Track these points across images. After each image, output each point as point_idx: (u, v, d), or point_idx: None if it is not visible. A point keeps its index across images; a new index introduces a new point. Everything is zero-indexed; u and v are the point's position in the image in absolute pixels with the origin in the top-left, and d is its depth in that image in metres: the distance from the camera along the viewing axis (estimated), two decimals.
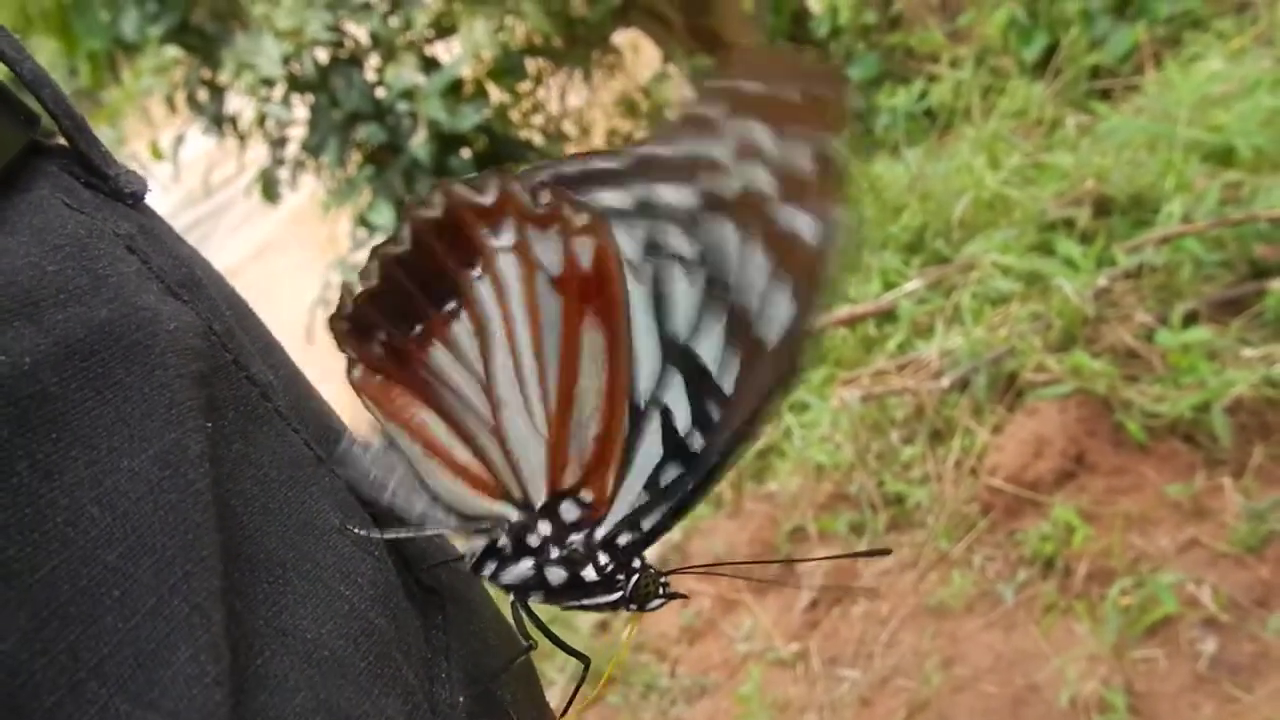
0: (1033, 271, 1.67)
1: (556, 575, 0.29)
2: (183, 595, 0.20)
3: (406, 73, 3.21)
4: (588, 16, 3.66)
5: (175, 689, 0.19)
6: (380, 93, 3.25)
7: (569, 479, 0.29)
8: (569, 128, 4.18)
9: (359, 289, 0.28)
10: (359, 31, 3.28)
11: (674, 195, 0.27)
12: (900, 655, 1.45)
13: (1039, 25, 2.46)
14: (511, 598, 0.30)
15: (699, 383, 0.28)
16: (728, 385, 0.28)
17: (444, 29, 3.40)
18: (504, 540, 0.29)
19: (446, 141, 3.27)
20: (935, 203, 1.95)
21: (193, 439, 0.22)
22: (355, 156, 3.35)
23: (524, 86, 3.86)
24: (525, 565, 0.29)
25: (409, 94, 3.19)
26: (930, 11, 2.84)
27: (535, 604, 0.30)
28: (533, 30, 3.60)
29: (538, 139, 3.89)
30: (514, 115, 3.86)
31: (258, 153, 3.45)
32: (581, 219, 0.27)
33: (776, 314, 0.27)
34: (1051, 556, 1.42)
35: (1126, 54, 2.30)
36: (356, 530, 0.27)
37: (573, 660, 0.33)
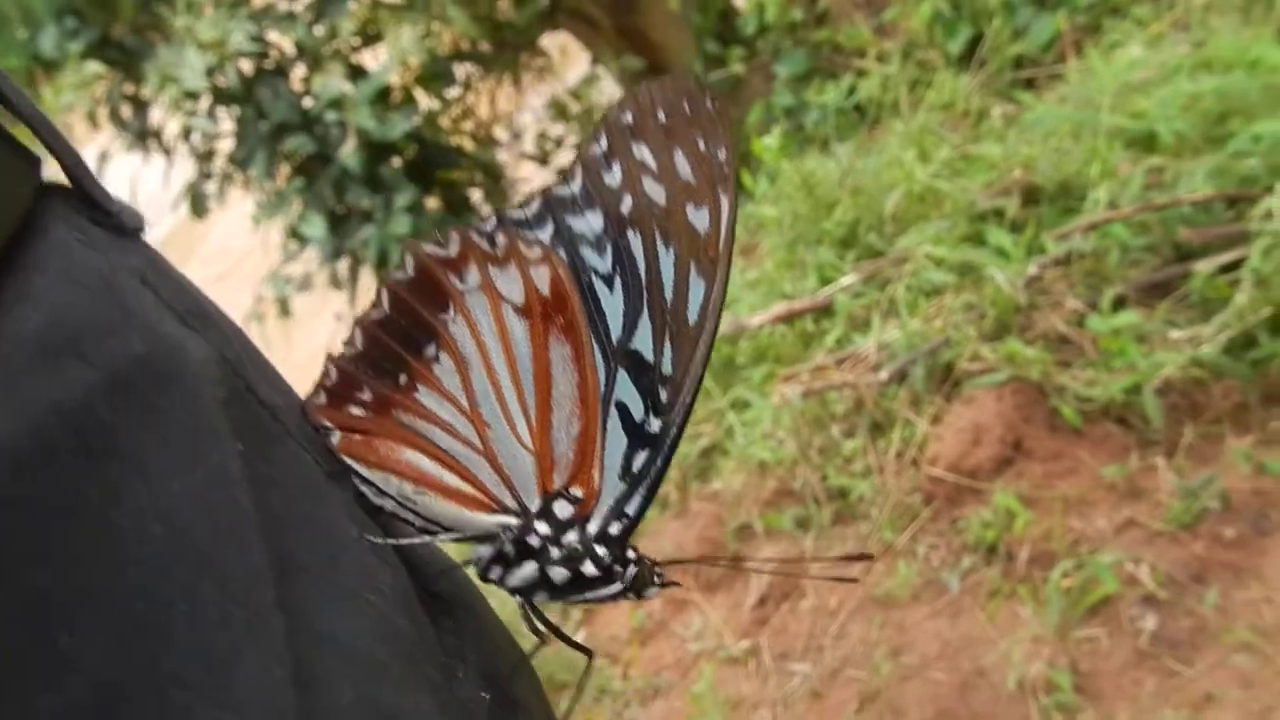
0: (965, 262, 1.70)
1: (559, 574, 0.32)
2: (244, 606, 0.22)
3: (333, 82, 3.18)
4: (515, 20, 3.65)
5: (249, 692, 0.21)
6: (307, 103, 3.22)
7: (558, 480, 0.32)
8: (500, 133, 4.16)
9: (345, 355, 0.31)
10: (284, 41, 3.25)
11: (581, 224, 0.32)
12: (849, 647, 1.47)
13: (963, 17, 2.49)
14: (519, 599, 0.33)
15: (642, 373, 0.32)
16: (667, 367, 0.32)
17: (370, 37, 3.38)
18: (508, 546, 0.32)
19: (376, 150, 3.25)
20: (867, 197, 1.97)
21: (232, 461, 0.24)
22: (284, 168, 3.32)
23: (453, 92, 3.84)
24: (529, 568, 0.32)
25: (337, 103, 3.17)
26: (856, 7, 2.87)
27: (541, 603, 0.33)
28: (460, 36, 3.59)
29: (468, 145, 3.87)
30: (444, 122, 3.84)
31: (184, 168, 3.41)
32: (534, 253, 0.31)
33: (692, 296, 0.32)
34: (994, 542, 1.45)
35: (1048, 43, 2.33)
36: (373, 539, 0.29)
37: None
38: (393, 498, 0.32)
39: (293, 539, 0.25)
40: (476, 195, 3.72)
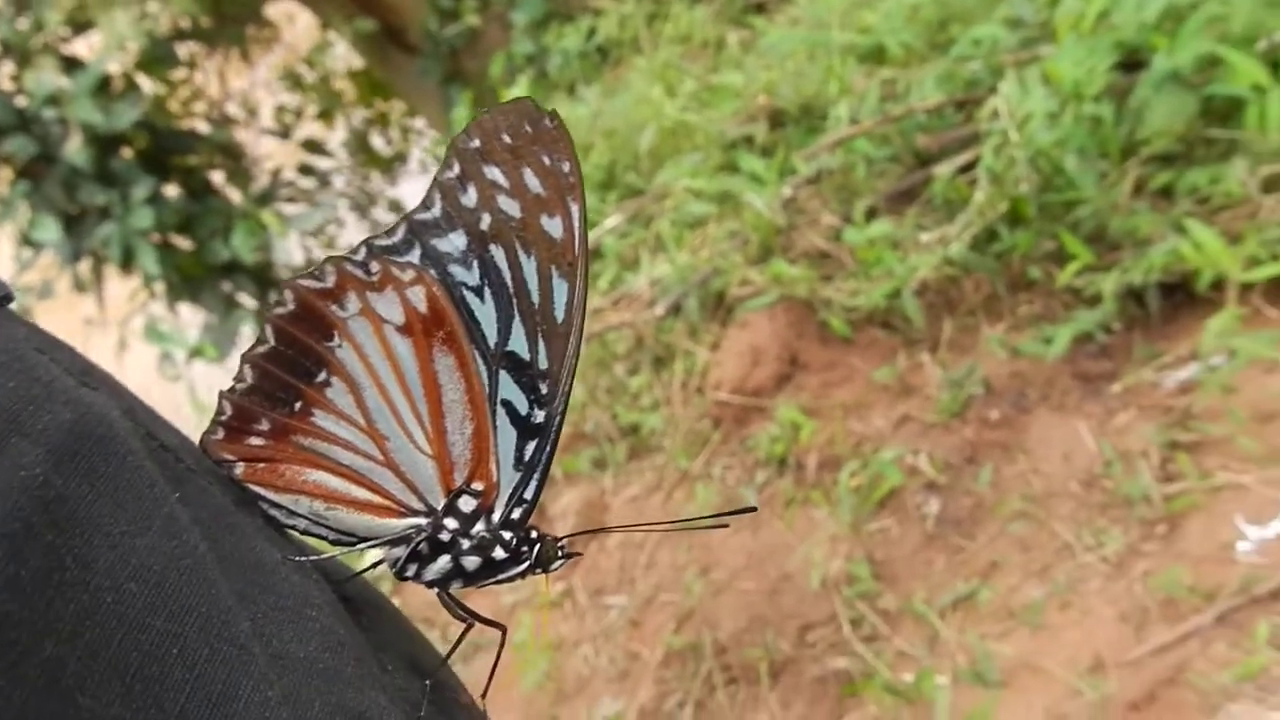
0: (723, 191, 1.75)
1: (471, 562, 0.35)
2: (228, 640, 0.24)
3: (47, 76, 3.00)
4: None
5: (252, 717, 0.23)
6: (21, 101, 3.02)
7: (459, 478, 0.34)
8: (234, 110, 4.01)
9: (237, 389, 0.33)
10: None
11: (446, 244, 0.34)
12: (660, 574, 1.51)
13: None
14: (436, 590, 0.35)
15: (522, 370, 0.35)
16: (543, 363, 0.35)
17: (81, 25, 3.18)
18: (422, 545, 0.34)
19: (105, 143, 3.08)
20: (620, 138, 1.99)
21: (177, 509, 0.25)
22: (5, 173, 3.11)
23: (179, 74, 3.68)
24: (443, 561, 0.34)
25: (54, 99, 2.98)
26: None
27: (455, 590, 0.36)
28: (178, 14, 3.43)
29: (203, 127, 3.71)
30: (173, 106, 3.67)
31: None
32: (408, 275, 0.33)
33: (557, 297, 0.35)
34: (783, 455, 1.51)
35: None
36: (296, 558, 0.30)
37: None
38: (304, 516, 0.33)
39: (229, 571, 0.26)
40: (218, 178, 3.58)
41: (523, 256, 0.34)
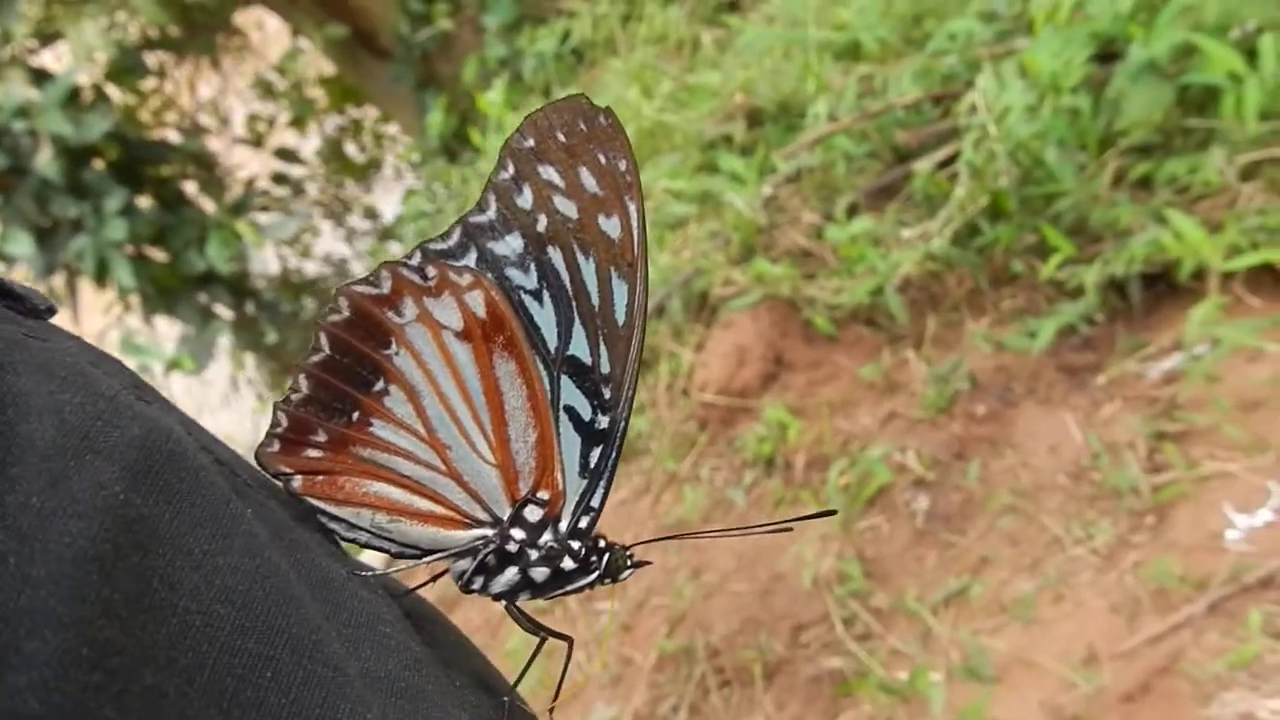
0: (703, 191, 1.74)
1: (540, 573, 0.34)
2: (321, 661, 0.23)
3: (16, 89, 2.97)
4: (205, 0, 3.49)
5: None
6: None
7: (524, 487, 0.34)
8: (206, 120, 3.99)
9: (292, 398, 0.32)
10: None
11: (502, 247, 0.34)
12: (651, 577, 1.50)
13: None
14: (504, 604, 0.35)
15: (584, 375, 0.34)
16: (605, 366, 0.34)
17: (48, 36, 3.16)
18: (489, 556, 0.33)
19: (76, 155, 3.05)
20: None
21: (255, 526, 0.24)
22: None
23: (149, 84, 3.65)
24: (511, 573, 0.34)
25: (23, 111, 2.95)
26: None
27: (522, 603, 0.35)
28: (147, 23, 3.40)
29: (175, 137, 3.69)
30: (144, 116, 3.65)
31: None
32: (466, 279, 0.33)
33: (617, 299, 0.34)
34: (771, 455, 1.51)
35: None
36: (361, 573, 0.29)
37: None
38: (366, 530, 0.33)
39: (309, 588, 0.25)
40: (191, 188, 3.56)
41: (581, 258, 0.34)
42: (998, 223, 1.49)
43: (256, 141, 4.03)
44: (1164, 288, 1.39)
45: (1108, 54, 1.44)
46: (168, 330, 3.45)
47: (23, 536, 0.19)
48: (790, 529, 0.38)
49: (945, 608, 1.28)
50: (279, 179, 3.85)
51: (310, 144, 4.29)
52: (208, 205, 3.48)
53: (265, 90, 4.16)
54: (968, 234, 1.51)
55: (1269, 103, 1.28)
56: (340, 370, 0.32)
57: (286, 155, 3.96)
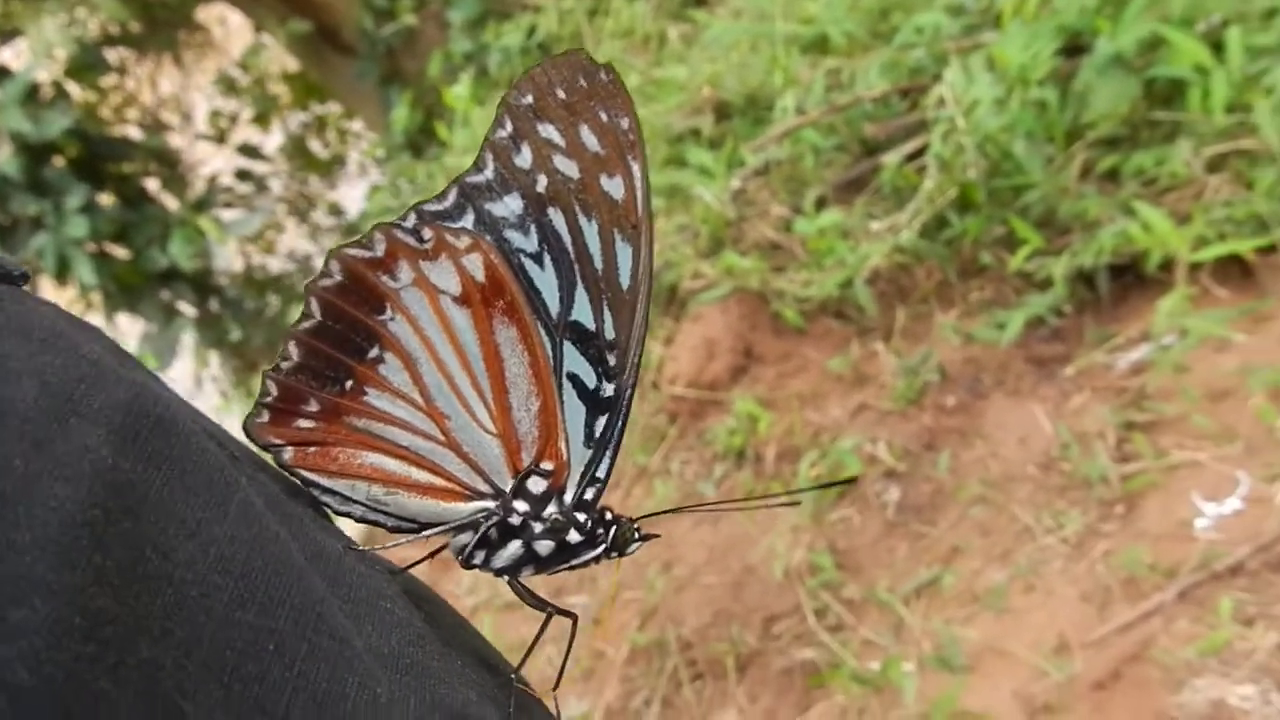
0: (672, 185, 1.74)
1: (545, 546, 0.33)
2: (326, 634, 0.22)
3: None
4: None
5: (361, 716, 0.21)
6: None
7: (527, 457, 0.32)
8: (169, 116, 3.95)
9: (282, 366, 0.31)
10: None
11: (501, 208, 0.32)
12: (622, 571, 1.50)
13: None
14: (506, 578, 0.33)
15: (588, 342, 0.33)
16: (609, 333, 0.33)
17: (7, 33, 3.11)
18: (491, 530, 0.32)
19: (36, 153, 3.02)
20: None
21: (250, 493, 0.23)
22: None
23: (109, 81, 3.61)
24: (514, 546, 0.32)
25: None
26: None
27: (526, 577, 0.34)
28: (108, 19, 3.36)
29: (136, 134, 3.65)
30: (105, 113, 3.61)
31: None
32: (464, 241, 0.32)
33: (621, 262, 0.33)
34: (741, 447, 1.51)
35: None
36: (358, 547, 0.28)
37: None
38: (361, 503, 0.31)
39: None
40: (154, 185, 3.52)
41: (583, 220, 0.32)
42: (966, 215, 1.49)
43: (219, 138, 3.99)
44: (1132, 279, 1.40)
45: (1075, 47, 1.45)
46: (130, 328, 3.41)
47: (5, 500, 0.18)
48: (799, 502, 0.37)
49: (917, 598, 1.28)
50: (242, 175, 3.81)
51: (273, 140, 4.25)
52: (170, 202, 3.45)
53: (228, 86, 4.12)
54: (936, 226, 1.51)
55: (1235, 95, 1.29)
56: (333, 337, 0.31)
57: (250, 151, 3.92)
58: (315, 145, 4.39)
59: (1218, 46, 1.32)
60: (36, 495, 0.18)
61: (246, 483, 0.24)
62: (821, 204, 1.62)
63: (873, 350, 1.53)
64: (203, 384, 3.62)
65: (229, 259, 3.51)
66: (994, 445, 1.37)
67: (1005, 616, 1.21)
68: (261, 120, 4.21)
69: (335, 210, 4.25)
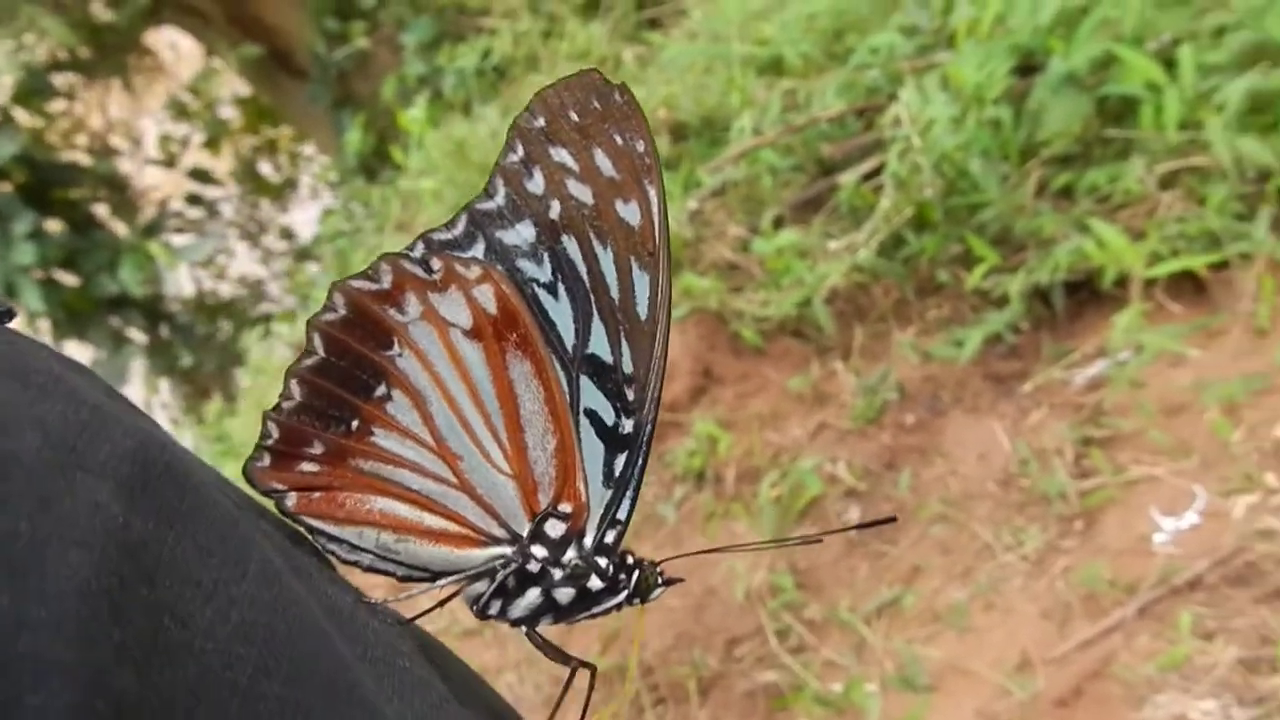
0: None
1: (565, 594, 0.31)
2: (358, 704, 0.20)
3: None
4: (115, 21, 3.42)
5: None
6: None
7: (544, 499, 0.30)
8: (118, 141, 3.91)
9: (284, 407, 0.29)
10: None
11: (512, 236, 0.31)
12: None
13: None
14: (523, 629, 0.31)
15: (606, 375, 0.31)
16: (628, 366, 0.31)
17: None
18: (508, 578, 0.30)
19: None
20: None
21: (269, 551, 0.21)
22: None
23: (58, 106, 3.57)
24: (533, 595, 0.31)
25: None
26: None
27: (544, 627, 0.32)
28: (56, 44, 3.33)
29: (85, 159, 3.61)
30: (53, 138, 3.57)
31: None
32: (474, 272, 0.30)
33: (638, 291, 0.31)
34: (701, 469, 1.50)
35: None
36: (370, 600, 0.27)
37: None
38: (370, 551, 0.30)
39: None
40: (103, 211, 3.48)
41: (598, 247, 0.31)
42: (923, 233, 1.50)
43: (169, 162, 3.96)
44: (1087, 295, 1.40)
45: (1028, 66, 1.46)
46: (79, 355, 3.36)
47: (15, 570, 0.16)
48: (820, 541, 0.36)
49: (878, 618, 1.28)
50: (193, 200, 3.78)
51: (225, 165, 4.22)
52: (120, 227, 3.41)
53: (178, 111, 4.09)
54: (893, 245, 1.52)
55: (1187, 112, 1.30)
56: (337, 374, 0.29)
57: (200, 175, 3.89)
58: (266, 169, 4.36)
59: (1169, 64, 1.33)
60: (49, 563, 0.16)
61: (261, 538, 0.22)
62: (779, 224, 1.62)
63: (832, 369, 1.53)
64: (153, 410, 3.57)
65: (180, 284, 3.47)
66: (953, 463, 1.37)
67: (967, 635, 1.20)
68: (212, 145, 4.18)
69: (287, 234, 4.22)
